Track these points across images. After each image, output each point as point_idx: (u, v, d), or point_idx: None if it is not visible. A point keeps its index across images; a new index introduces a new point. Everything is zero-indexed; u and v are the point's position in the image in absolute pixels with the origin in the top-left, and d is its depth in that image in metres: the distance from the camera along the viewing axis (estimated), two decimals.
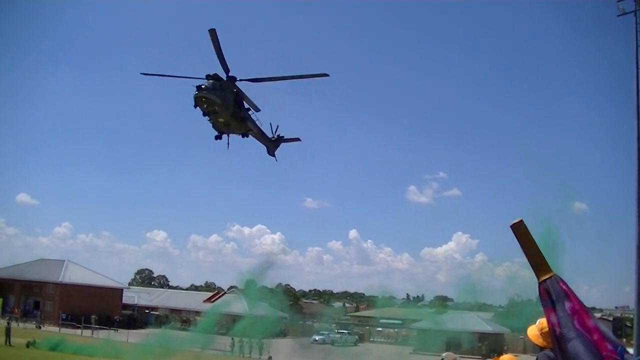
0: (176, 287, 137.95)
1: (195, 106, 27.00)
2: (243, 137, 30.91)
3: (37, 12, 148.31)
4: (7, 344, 45.36)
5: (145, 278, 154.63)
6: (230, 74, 28.19)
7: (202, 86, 26.70)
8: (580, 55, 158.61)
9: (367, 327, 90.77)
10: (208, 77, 27.25)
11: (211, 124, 29.06)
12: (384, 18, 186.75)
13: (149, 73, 31.91)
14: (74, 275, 78.33)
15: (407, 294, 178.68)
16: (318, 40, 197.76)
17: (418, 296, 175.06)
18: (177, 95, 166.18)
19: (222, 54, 26.74)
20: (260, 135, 33.01)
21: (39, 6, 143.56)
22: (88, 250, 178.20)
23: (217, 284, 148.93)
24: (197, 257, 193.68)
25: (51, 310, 74.27)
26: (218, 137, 29.97)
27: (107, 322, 70.34)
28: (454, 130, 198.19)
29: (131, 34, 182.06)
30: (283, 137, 34.65)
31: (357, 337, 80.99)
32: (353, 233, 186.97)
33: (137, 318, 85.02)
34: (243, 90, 29.56)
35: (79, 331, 62.82)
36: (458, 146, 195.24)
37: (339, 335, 77.25)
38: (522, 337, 61.14)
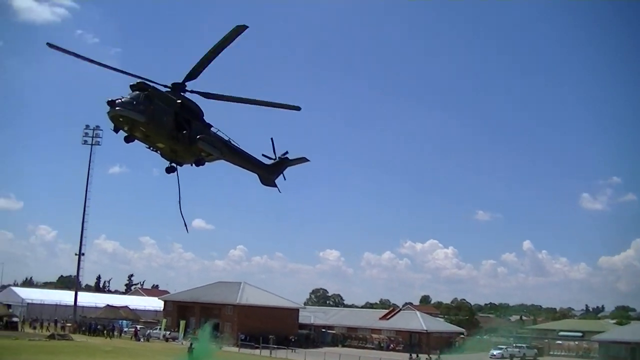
0: (351, 306, 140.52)
1: (115, 130, 17.99)
2: (197, 165, 20.73)
3: None
4: None
5: (320, 297, 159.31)
6: (175, 82, 19.20)
7: (117, 100, 17.37)
8: None
9: (546, 340, 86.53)
10: (132, 87, 18.18)
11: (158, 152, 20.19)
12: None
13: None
14: (251, 296, 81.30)
15: (586, 304, 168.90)
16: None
17: (598, 307, 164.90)
18: None
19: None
20: (241, 160, 23.06)
21: None
22: (263, 271, 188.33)
23: (392, 301, 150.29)
24: (371, 275, 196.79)
25: (230, 331, 76.71)
26: (170, 170, 20.43)
27: (284, 342, 72.46)
28: (627, 131, 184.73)
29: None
30: (287, 158, 24.61)
31: (536, 350, 77.56)
32: (527, 244, 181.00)
33: (313, 337, 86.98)
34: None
35: (257, 351, 65.82)
36: (631, 149, 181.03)
37: (517, 350, 74.73)
38: None
